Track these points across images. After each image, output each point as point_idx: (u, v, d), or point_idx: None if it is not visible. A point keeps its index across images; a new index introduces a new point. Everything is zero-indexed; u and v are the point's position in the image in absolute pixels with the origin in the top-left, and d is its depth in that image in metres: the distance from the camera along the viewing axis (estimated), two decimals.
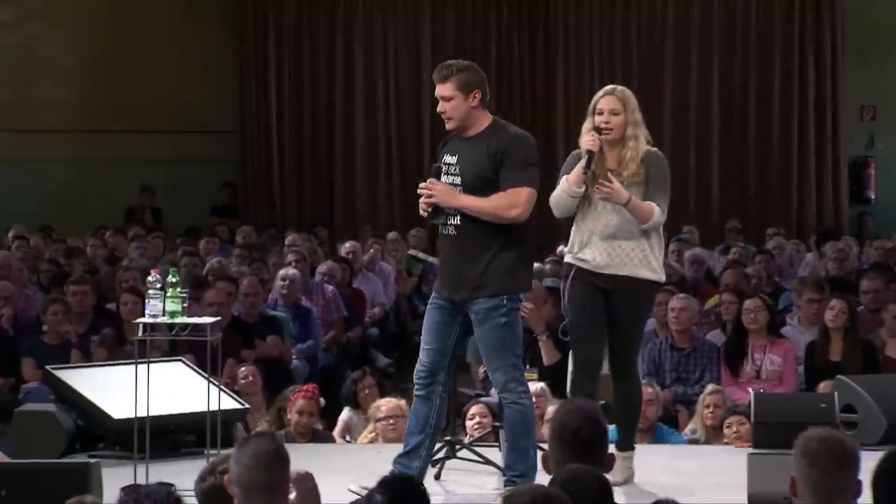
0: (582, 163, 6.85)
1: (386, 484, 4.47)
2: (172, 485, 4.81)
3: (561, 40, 18.28)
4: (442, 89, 6.65)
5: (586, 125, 6.94)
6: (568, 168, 6.96)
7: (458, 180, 6.61)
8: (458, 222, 6.61)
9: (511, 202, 6.55)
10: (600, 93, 7.01)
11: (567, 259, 7.09)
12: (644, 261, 6.90)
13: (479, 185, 6.57)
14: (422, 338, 6.83)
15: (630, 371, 7.15)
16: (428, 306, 6.85)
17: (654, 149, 7.01)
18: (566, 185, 6.89)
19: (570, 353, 9.35)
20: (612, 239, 6.89)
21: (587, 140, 6.86)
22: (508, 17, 18.32)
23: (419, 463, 6.73)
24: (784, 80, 18.09)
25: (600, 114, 6.91)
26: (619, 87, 7.03)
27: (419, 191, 6.67)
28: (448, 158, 6.69)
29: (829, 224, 17.72)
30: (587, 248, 6.94)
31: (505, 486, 6.67)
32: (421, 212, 6.69)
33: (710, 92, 18.12)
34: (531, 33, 18.32)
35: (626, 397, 7.13)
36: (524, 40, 18.32)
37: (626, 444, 7.13)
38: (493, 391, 7.29)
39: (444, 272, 6.75)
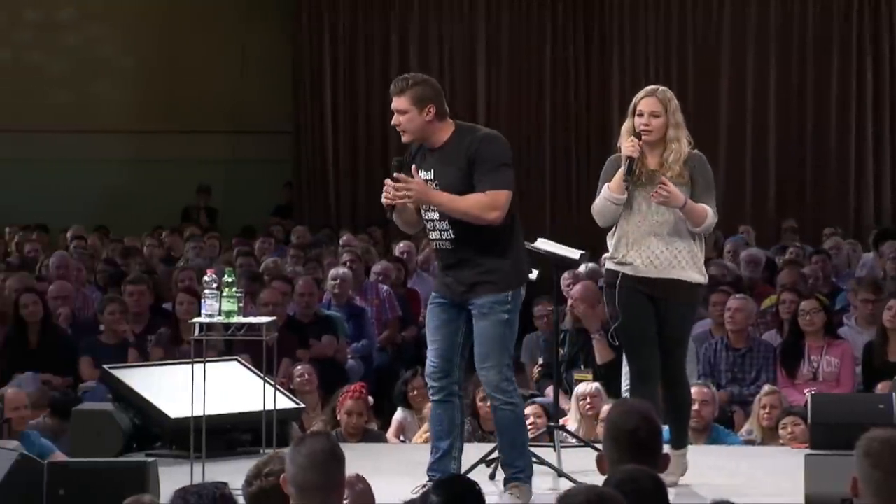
0: (623, 169, 6.79)
1: (442, 484, 4.47)
2: (225, 483, 4.82)
3: (616, 40, 18.21)
4: (397, 102, 6.59)
5: (626, 125, 6.92)
6: (608, 175, 6.89)
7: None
8: (453, 236, 6.56)
9: (491, 204, 6.49)
10: (641, 93, 6.96)
11: (610, 265, 7.01)
12: (691, 262, 6.86)
13: (461, 193, 6.52)
14: (428, 338, 6.77)
15: (680, 375, 7.10)
16: (429, 305, 6.80)
17: (696, 151, 6.95)
18: (608, 193, 6.83)
19: (625, 360, 9.34)
20: (657, 241, 6.83)
21: (627, 146, 6.81)
22: (564, 17, 18.28)
23: (455, 465, 6.74)
24: (841, 79, 17.95)
25: (640, 115, 6.87)
26: (661, 88, 6.99)
27: (388, 187, 6.54)
28: (424, 175, 6.61)
29: (887, 224, 17.57)
30: (631, 252, 6.87)
31: (509, 483, 6.68)
32: (385, 204, 6.59)
33: (766, 92, 18.00)
34: (586, 33, 18.27)
35: (676, 400, 7.10)
36: (579, 40, 18.27)
37: (680, 443, 7.10)
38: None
39: (444, 281, 6.70)
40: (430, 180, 6.60)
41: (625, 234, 6.89)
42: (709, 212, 6.83)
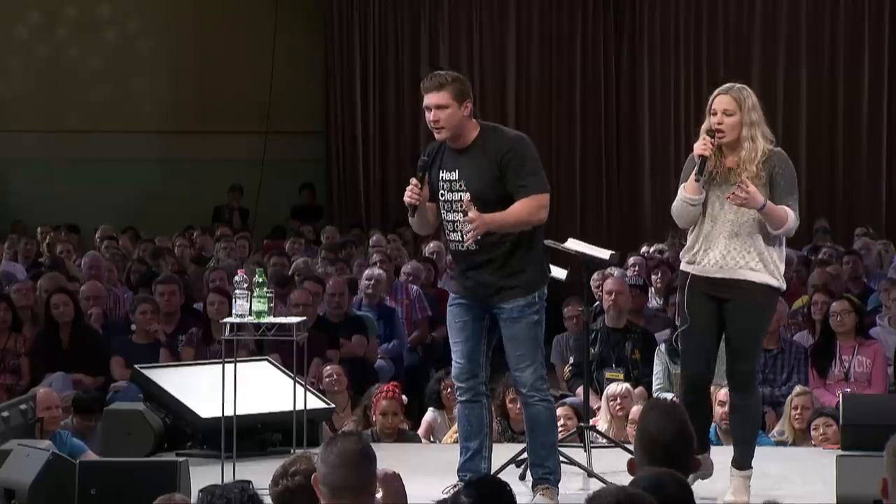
0: (695, 170, 6.60)
1: (473, 484, 4.46)
2: (249, 482, 4.83)
3: (647, 33, 18.15)
4: (437, 98, 6.54)
5: (704, 125, 6.69)
6: (686, 174, 6.71)
7: (465, 196, 6.48)
8: (479, 237, 6.48)
9: (538, 206, 6.51)
10: (716, 91, 6.73)
11: (682, 266, 6.82)
12: (761, 265, 6.61)
13: (492, 195, 6.50)
14: (451, 338, 6.73)
15: (746, 385, 6.74)
16: (450, 307, 6.73)
17: (778, 149, 6.70)
18: (683, 194, 6.64)
19: (656, 359, 9.28)
20: (727, 241, 6.62)
21: (699, 145, 6.62)
22: (594, 10, 18.24)
23: (485, 464, 6.74)
24: (873, 75, 17.86)
25: (714, 114, 6.65)
26: (738, 86, 6.72)
27: (413, 187, 6.50)
28: (446, 175, 6.57)
29: None
30: (701, 252, 6.68)
31: (538, 483, 6.65)
32: (407, 203, 6.56)
33: (797, 88, 17.93)
34: (617, 25, 18.22)
35: (742, 411, 6.79)
36: (610, 32, 18.22)
37: (744, 463, 6.74)
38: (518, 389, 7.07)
39: (465, 284, 6.63)
40: (455, 181, 6.57)
41: (699, 234, 6.70)
42: (790, 214, 6.57)
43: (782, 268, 6.73)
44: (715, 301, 6.67)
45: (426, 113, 6.60)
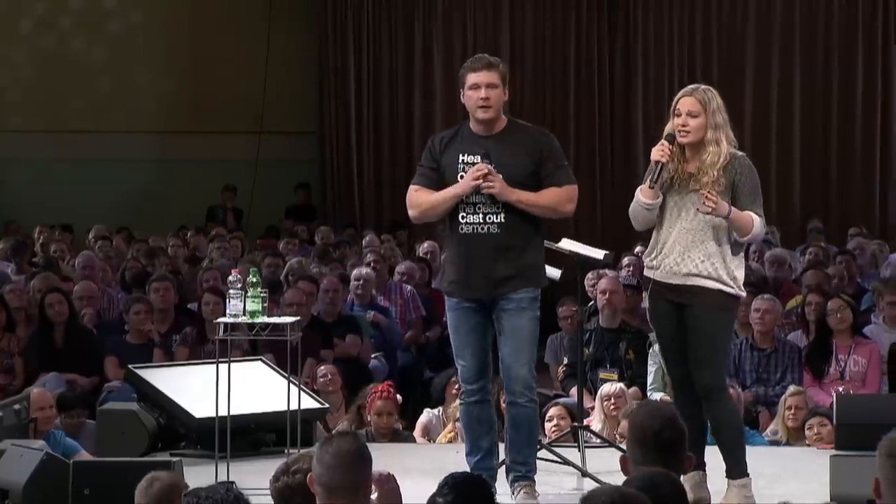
0: (650, 177, 6.52)
1: (451, 484, 4.37)
2: (233, 482, 4.84)
3: (641, 33, 18.17)
4: (489, 76, 6.58)
5: (667, 127, 6.59)
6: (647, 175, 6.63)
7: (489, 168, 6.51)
8: (503, 220, 6.51)
9: (568, 197, 6.60)
10: (681, 92, 6.63)
11: (645, 271, 6.82)
12: (716, 271, 6.50)
13: (525, 181, 6.53)
14: (455, 342, 6.69)
15: (709, 394, 6.60)
16: (452, 311, 6.68)
17: (741, 153, 6.61)
18: (640, 198, 6.59)
19: (650, 360, 9.28)
20: (682, 247, 6.54)
21: (656, 150, 6.53)
22: (588, 10, 18.25)
23: (496, 462, 6.78)
24: (867, 75, 17.87)
25: (679, 115, 6.53)
26: (702, 87, 6.62)
27: (477, 173, 6.50)
28: (469, 158, 6.56)
29: None
30: (660, 256, 6.64)
31: (520, 481, 6.64)
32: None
33: (791, 89, 17.95)
34: (611, 26, 18.23)
35: (713, 421, 6.68)
36: (603, 33, 18.23)
37: (736, 471, 6.62)
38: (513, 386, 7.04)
39: (473, 272, 6.55)
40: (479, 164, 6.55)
41: (657, 238, 6.66)
42: (755, 220, 6.51)
43: (740, 275, 6.61)
44: (675, 307, 6.62)
45: (472, 91, 6.58)
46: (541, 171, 6.55)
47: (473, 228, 6.57)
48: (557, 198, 6.56)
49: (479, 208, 6.55)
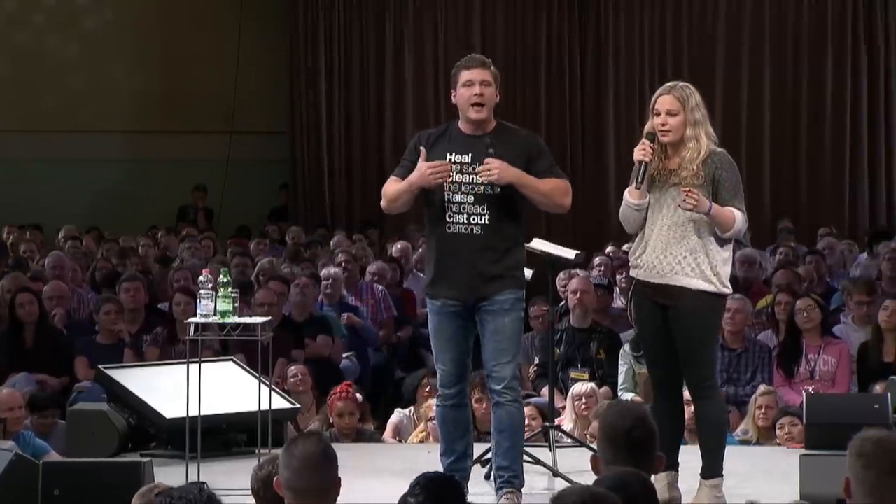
0: (636, 177, 6.55)
1: (423, 484, 4.36)
2: (204, 483, 4.83)
3: (612, 33, 18.20)
4: (485, 74, 6.58)
5: (647, 126, 6.61)
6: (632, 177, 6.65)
7: (478, 178, 6.51)
8: (487, 221, 6.51)
9: (566, 190, 6.66)
10: (659, 90, 6.65)
11: (630, 271, 6.82)
12: (696, 269, 6.50)
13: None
14: (436, 345, 6.70)
15: (699, 392, 6.66)
16: (435, 315, 6.67)
17: (721, 149, 6.62)
18: (627, 199, 6.60)
19: (621, 360, 9.28)
20: (662, 245, 6.54)
21: (638, 149, 6.54)
22: (559, 10, 18.27)
23: (470, 463, 6.80)
24: (836, 76, 17.94)
25: (658, 114, 6.56)
26: (680, 84, 6.64)
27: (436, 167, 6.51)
28: (457, 157, 6.57)
29: (882, 224, 17.56)
30: (642, 255, 6.62)
31: (504, 486, 6.63)
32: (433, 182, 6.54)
33: (761, 89, 18.00)
34: (581, 25, 18.25)
35: (700, 419, 6.73)
36: (574, 32, 18.24)
37: (710, 471, 6.65)
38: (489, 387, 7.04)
39: (457, 273, 6.55)
40: (467, 163, 6.55)
41: (640, 237, 6.64)
42: (737, 216, 6.52)
43: (725, 271, 6.60)
44: (659, 307, 6.62)
45: (466, 89, 6.57)
46: (532, 169, 6.55)
47: (458, 228, 6.57)
48: (557, 188, 6.61)
49: (464, 208, 6.56)
